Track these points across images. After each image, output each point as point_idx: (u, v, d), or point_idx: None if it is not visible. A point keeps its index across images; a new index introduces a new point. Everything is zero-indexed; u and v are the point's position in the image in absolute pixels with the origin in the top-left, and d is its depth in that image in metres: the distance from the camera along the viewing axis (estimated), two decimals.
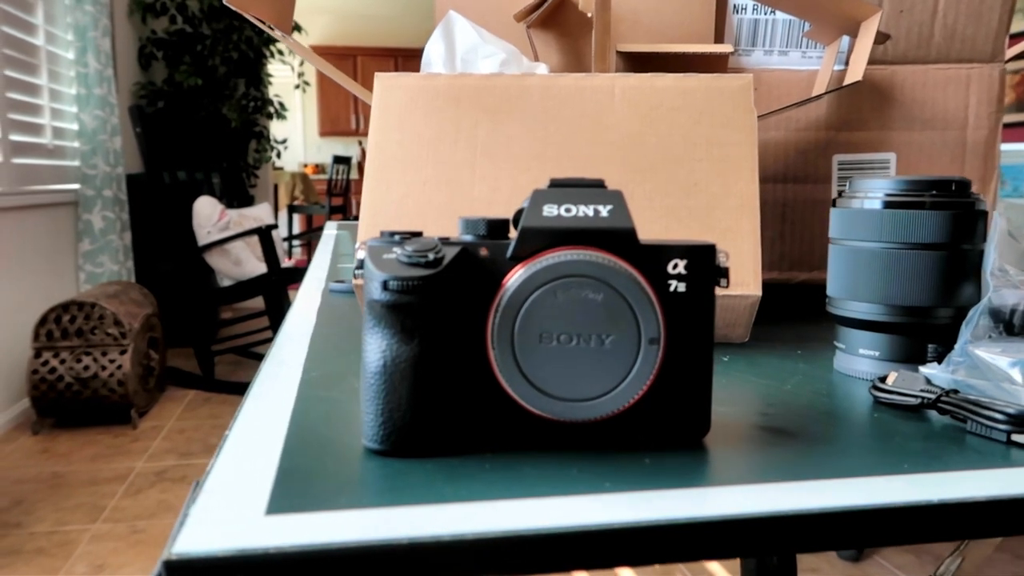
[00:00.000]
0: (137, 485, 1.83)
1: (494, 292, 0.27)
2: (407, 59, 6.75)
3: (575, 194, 0.28)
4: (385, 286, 0.26)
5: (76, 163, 2.71)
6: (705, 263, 0.28)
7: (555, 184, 0.28)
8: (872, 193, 0.37)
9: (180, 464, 1.97)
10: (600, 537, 0.20)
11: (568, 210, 0.27)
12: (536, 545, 0.20)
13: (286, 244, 4.41)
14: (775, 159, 0.65)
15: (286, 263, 2.82)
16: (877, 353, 0.37)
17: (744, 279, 0.42)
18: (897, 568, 1.45)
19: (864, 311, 0.37)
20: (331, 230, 1.32)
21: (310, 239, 4.59)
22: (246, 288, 2.61)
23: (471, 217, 0.29)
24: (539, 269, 0.26)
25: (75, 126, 2.72)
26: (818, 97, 0.60)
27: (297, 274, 2.77)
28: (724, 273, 0.28)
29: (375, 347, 0.27)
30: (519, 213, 0.29)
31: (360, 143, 5.45)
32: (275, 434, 0.28)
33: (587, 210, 0.27)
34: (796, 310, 0.57)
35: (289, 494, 0.23)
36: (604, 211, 0.27)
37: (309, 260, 4.86)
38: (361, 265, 0.28)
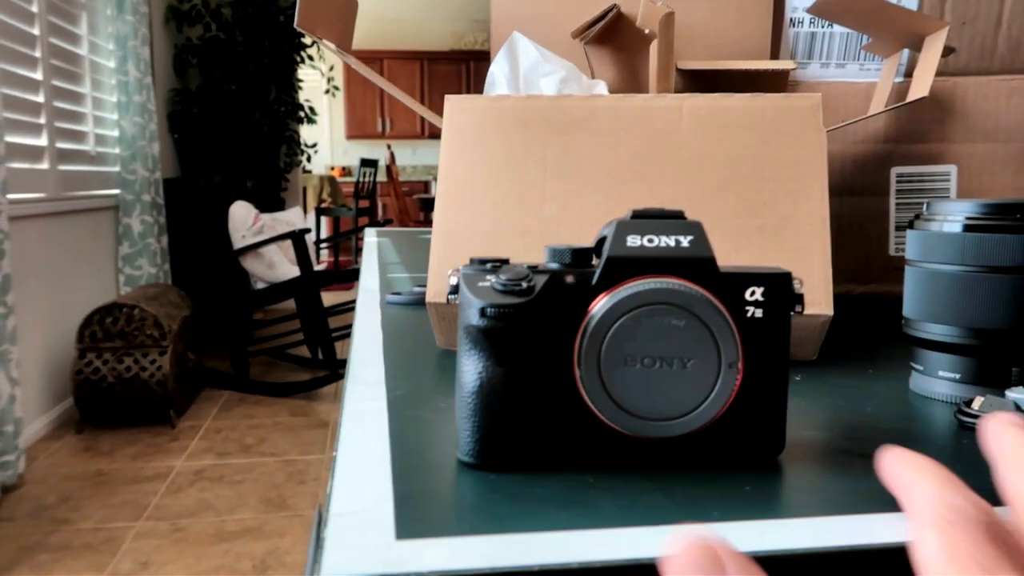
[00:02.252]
0: (177, 484, 1.88)
1: (581, 318, 0.28)
2: (432, 62, 6.81)
3: (657, 225, 0.29)
4: (482, 313, 0.28)
5: (116, 168, 2.78)
6: (782, 290, 0.29)
7: (637, 215, 0.29)
8: (952, 216, 0.37)
9: (218, 464, 2.01)
10: None
11: (650, 240, 0.28)
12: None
13: (314, 248, 4.47)
14: (832, 172, 0.65)
15: (316, 266, 2.86)
16: (957, 376, 0.37)
17: (815, 298, 0.43)
18: None
19: (943, 333, 0.37)
20: (372, 237, 1.34)
21: (338, 243, 4.65)
22: (279, 290, 2.66)
23: (557, 246, 0.30)
24: (624, 297, 0.27)
25: (115, 133, 2.79)
26: (880, 112, 0.60)
27: (328, 277, 2.81)
28: (800, 300, 0.29)
29: (471, 369, 0.28)
30: (601, 241, 0.30)
31: (388, 146, 5.50)
32: (381, 456, 0.29)
33: (669, 240, 0.28)
34: (857, 325, 0.57)
35: (412, 518, 0.24)
36: (685, 241, 0.29)
37: (336, 263, 4.91)
38: (455, 290, 0.30)
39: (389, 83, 0.60)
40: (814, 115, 0.47)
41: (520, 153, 0.48)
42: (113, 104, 2.79)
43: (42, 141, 2.30)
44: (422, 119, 7.80)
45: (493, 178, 0.48)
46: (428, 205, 5.61)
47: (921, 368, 0.39)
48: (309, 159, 4.24)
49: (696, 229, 0.29)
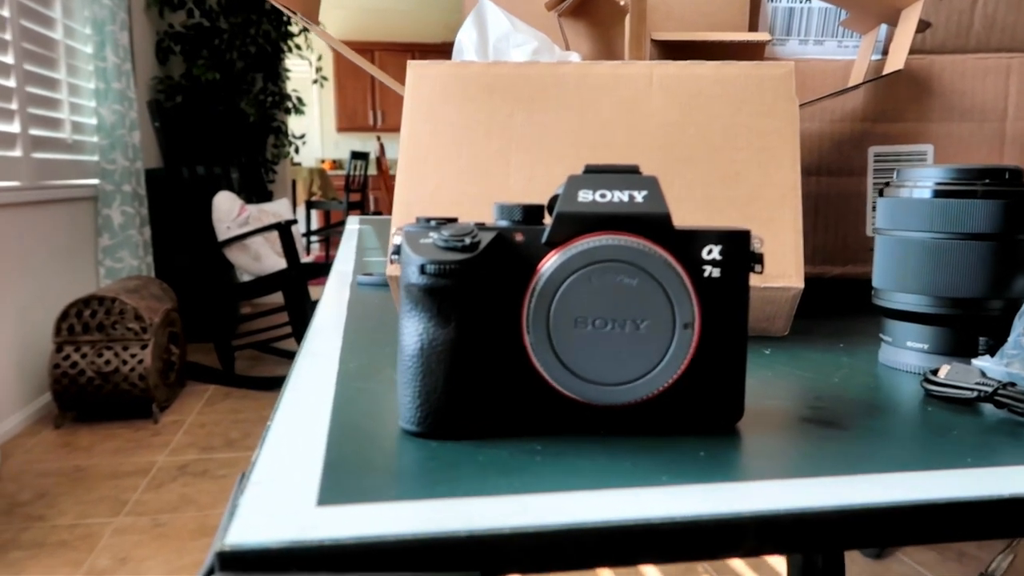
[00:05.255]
0: (159, 479, 1.85)
1: (529, 277, 0.27)
2: (424, 54, 6.75)
3: (610, 180, 0.27)
4: (422, 270, 0.26)
5: (95, 158, 2.74)
6: (739, 249, 0.28)
7: (590, 170, 0.28)
8: (922, 182, 0.36)
9: (201, 459, 1.99)
10: (665, 531, 0.20)
11: (603, 196, 0.27)
12: (599, 538, 0.19)
13: (304, 240, 4.43)
14: (809, 151, 0.64)
15: (305, 259, 2.84)
16: (926, 346, 0.35)
17: (785, 271, 0.41)
18: (919, 564, 1.43)
19: (912, 303, 0.36)
20: (353, 225, 1.32)
21: (328, 235, 4.62)
22: (266, 283, 2.63)
23: (506, 203, 0.29)
24: (574, 254, 0.26)
25: (94, 121, 2.75)
26: (857, 87, 0.59)
27: (316, 270, 2.78)
28: (759, 259, 0.28)
29: (412, 330, 0.27)
30: (554, 199, 0.29)
31: (378, 138, 5.47)
32: (318, 425, 0.27)
33: (622, 195, 0.27)
34: (833, 304, 0.56)
35: (338, 485, 0.22)
36: (639, 197, 0.27)
37: (327, 256, 4.90)
38: (398, 251, 0.28)
39: (369, 64, 0.58)
40: (786, 83, 0.45)
41: (485, 121, 0.46)
42: (91, 91, 2.74)
43: (14, 128, 2.25)
44: None
45: (457, 147, 0.46)
46: None
47: (890, 339, 0.37)
48: (297, 150, 4.20)
49: (651, 184, 0.27)
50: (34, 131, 2.37)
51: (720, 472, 0.24)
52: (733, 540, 0.20)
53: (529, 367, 0.27)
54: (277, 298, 2.79)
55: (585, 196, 0.27)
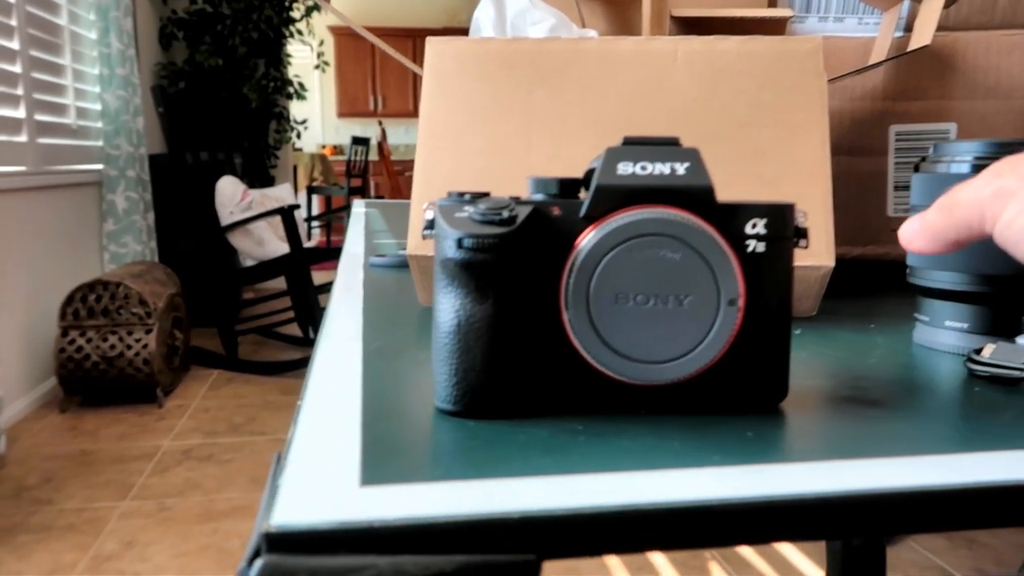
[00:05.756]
0: (164, 463, 1.86)
1: (567, 253, 0.26)
2: (425, 40, 6.68)
3: (650, 151, 0.26)
4: (459, 244, 0.25)
5: (100, 143, 2.72)
6: (784, 222, 0.27)
7: (629, 141, 0.27)
8: (960, 156, 0.35)
9: (206, 443, 1.99)
10: (724, 513, 0.19)
11: (643, 168, 0.26)
12: (659, 521, 0.19)
13: (306, 225, 4.42)
14: (829, 130, 0.63)
15: (306, 244, 2.82)
16: (965, 325, 0.35)
17: (815, 249, 0.41)
18: (929, 551, 1.44)
19: (951, 281, 0.35)
20: (359, 208, 1.31)
21: (330, 220, 4.60)
22: (269, 268, 2.62)
23: (542, 176, 0.28)
24: (615, 228, 0.25)
25: (98, 106, 2.73)
26: (879, 64, 0.58)
27: (319, 254, 2.77)
28: (803, 233, 0.27)
29: (448, 307, 0.26)
30: (590, 172, 0.28)
31: (380, 123, 5.43)
32: (350, 405, 0.27)
33: (663, 168, 0.26)
34: (856, 285, 0.55)
35: (379, 465, 0.21)
36: (680, 169, 0.26)
37: (328, 241, 4.89)
38: (431, 225, 0.27)
39: (379, 39, 0.57)
40: (814, 58, 0.44)
41: (504, 98, 0.45)
42: (95, 77, 2.72)
43: (20, 113, 2.24)
44: (415, 99, 7.70)
45: (476, 125, 0.45)
46: None
47: (927, 319, 0.37)
48: (299, 136, 4.18)
49: (693, 156, 0.26)
50: (39, 116, 2.35)
51: (771, 453, 0.23)
52: (792, 523, 0.20)
53: (567, 345, 0.26)
54: (279, 283, 2.78)
55: (625, 168, 0.26)
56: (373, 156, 5.45)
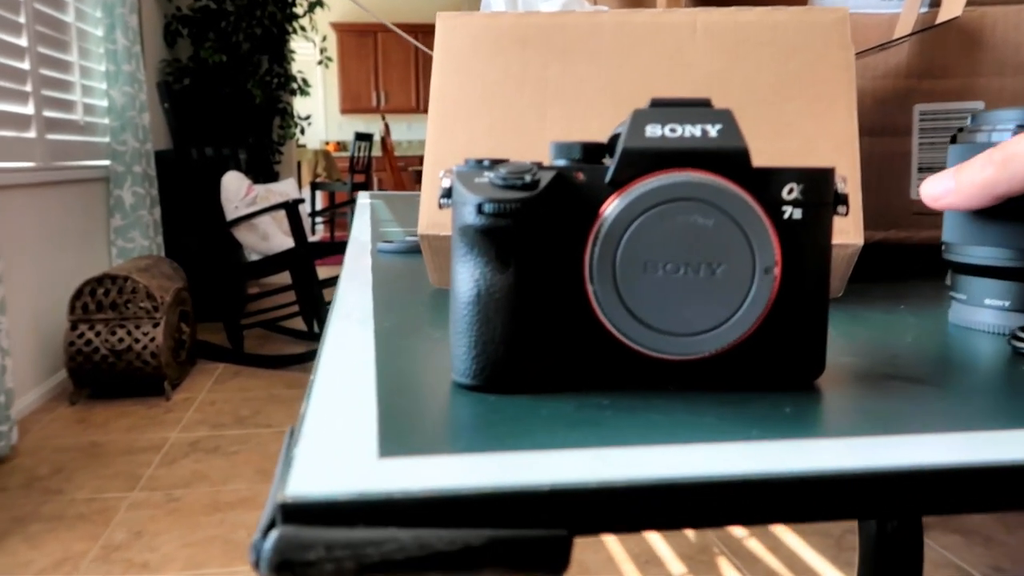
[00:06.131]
0: (172, 455, 1.85)
1: (591, 221, 0.25)
2: (428, 35, 6.66)
3: (680, 113, 0.25)
4: (479, 209, 0.24)
5: (106, 139, 2.72)
6: (823, 188, 0.25)
7: (658, 103, 0.25)
8: (1002, 125, 0.33)
9: (212, 435, 1.99)
10: (763, 488, 0.18)
11: (673, 130, 0.25)
12: (699, 495, 0.17)
13: (310, 220, 4.41)
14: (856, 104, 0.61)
15: (311, 239, 2.82)
16: (1006, 303, 0.33)
17: (843, 226, 0.39)
18: (944, 548, 1.42)
19: (991, 257, 0.33)
20: (364, 199, 1.29)
21: (333, 215, 4.59)
22: (273, 262, 2.62)
23: (564, 141, 0.27)
24: (643, 193, 0.24)
25: (104, 103, 2.73)
26: (903, 39, 0.56)
27: (323, 249, 2.76)
28: (843, 199, 0.26)
29: (467, 276, 0.25)
30: (615, 137, 0.26)
31: (383, 117, 5.42)
32: (364, 379, 0.25)
33: (694, 129, 0.25)
34: (880, 269, 0.53)
35: (398, 438, 0.20)
36: (713, 131, 0.25)
37: (332, 237, 4.86)
38: (448, 193, 0.26)
39: (391, 24, 0.55)
40: (840, 29, 0.43)
41: (518, 74, 0.44)
42: (101, 73, 2.72)
43: (28, 109, 2.24)
44: (418, 94, 7.66)
45: (489, 102, 0.44)
46: None
47: (964, 297, 0.35)
48: (303, 131, 4.17)
49: (726, 118, 0.25)
50: (48, 112, 2.35)
51: (813, 428, 0.22)
52: (838, 498, 0.18)
53: (592, 317, 0.25)
54: (283, 278, 2.78)
55: (653, 131, 0.25)
56: (376, 152, 5.43)
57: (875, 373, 0.28)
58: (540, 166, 0.26)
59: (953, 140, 0.36)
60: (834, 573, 1.34)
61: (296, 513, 0.16)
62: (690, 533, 1.48)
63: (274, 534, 0.15)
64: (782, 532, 1.48)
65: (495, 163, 0.26)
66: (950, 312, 0.36)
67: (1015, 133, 0.33)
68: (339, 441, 0.20)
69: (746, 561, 1.38)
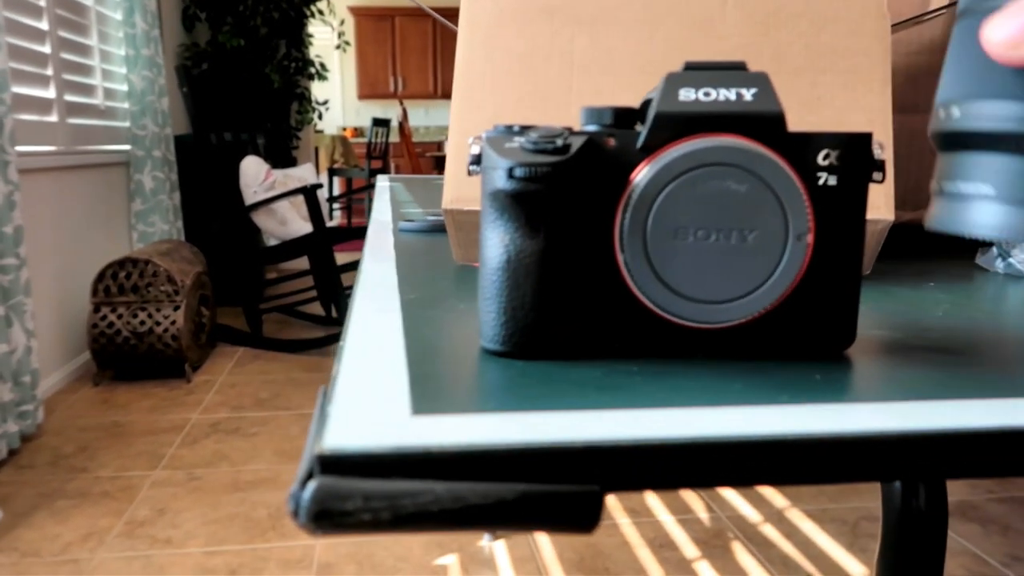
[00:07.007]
0: (193, 435, 1.88)
1: (623, 186, 0.24)
2: (449, 18, 6.62)
3: (715, 76, 0.25)
4: (510, 174, 0.24)
5: (127, 124, 2.75)
6: (860, 154, 0.25)
7: (691, 66, 0.25)
8: None
9: (233, 417, 2.02)
10: (791, 448, 0.18)
11: (707, 94, 0.24)
12: (724, 453, 0.17)
13: (328, 206, 4.43)
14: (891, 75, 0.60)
15: (329, 224, 2.83)
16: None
17: (875, 201, 0.39)
18: (962, 537, 1.41)
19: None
20: (383, 182, 1.30)
21: (350, 201, 4.61)
22: (292, 247, 2.63)
23: (595, 106, 0.26)
24: (675, 158, 0.23)
25: (124, 87, 2.75)
26: (940, 11, 0.55)
27: (341, 234, 2.78)
28: (880, 166, 0.25)
29: (497, 241, 0.25)
30: (647, 102, 0.26)
31: (401, 102, 5.41)
32: (394, 344, 0.25)
33: (728, 94, 0.24)
34: (908, 248, 0.52)
35: (430, 397, 0.20)
36: (748, 95, 0.24)
37: (349, 222, 4.88)
38: (477, 160, 0.26)
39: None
40: None
41: (544, 45, 0.43)
42: (121, 58, 2.74)
43: (50, 93, 2.26)
44: (435, 80, 7.62)
45: (515, 73, 0.43)
46: (442, 163, 5.54)
47: (961, 189, 0.26)
48: (321, 116, 4.18)
49: (762, 81, 0.24)
50: (69, 97, 2.37)
51: (844, 394, 0.22)
52: (874, 460, 0.18)
53: (622, 284, 0.24)
54: (301, 263, 2.80)
55: (687, 95, 0.24)
56: (394, 138, 5.44)
57: (906, 344, 0.27)
58: (571, 131, 0.25)
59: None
60: (849, 559, 1.34)
61: (333, 464, 0.16)
62: (705, 518, 1.48)
63: (312, 484, 0.16)
64: (798, 518, 1.48)
65: (525, 128, 0.26)
66: (933, 216, 0.28)
67: None
68: (372, 399, 0.20)
69: (761, 546, 1.38)
